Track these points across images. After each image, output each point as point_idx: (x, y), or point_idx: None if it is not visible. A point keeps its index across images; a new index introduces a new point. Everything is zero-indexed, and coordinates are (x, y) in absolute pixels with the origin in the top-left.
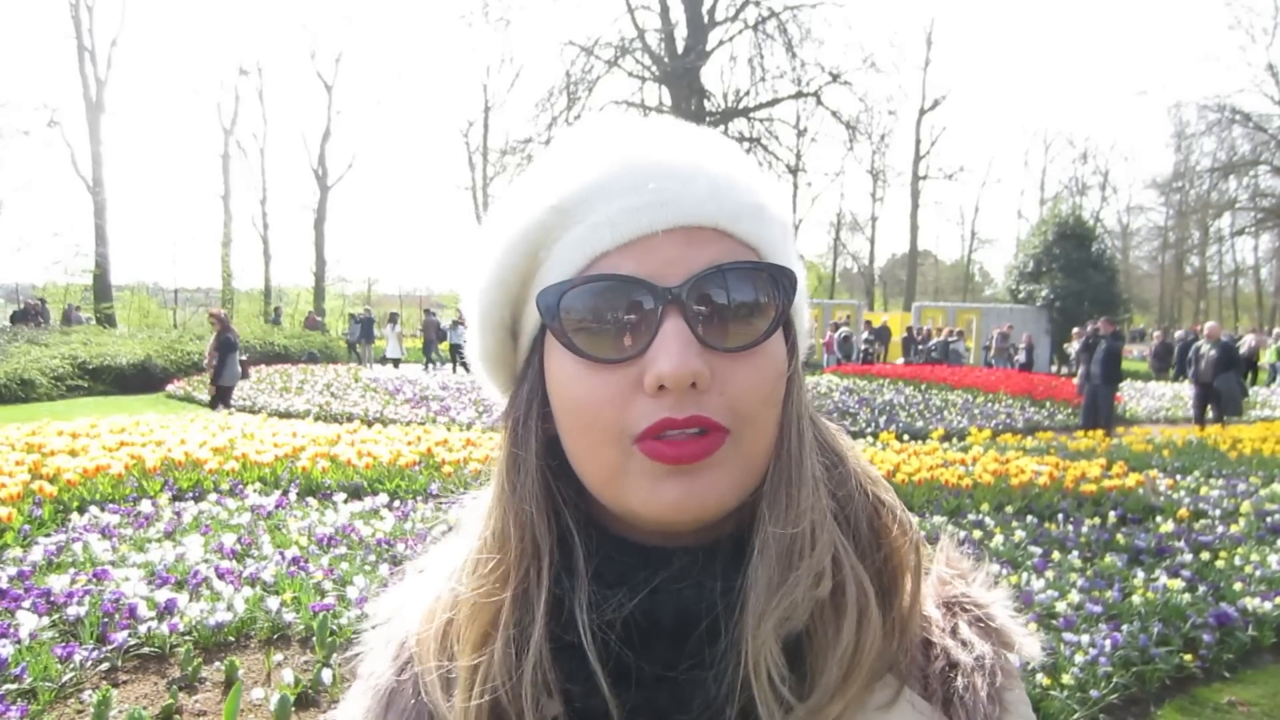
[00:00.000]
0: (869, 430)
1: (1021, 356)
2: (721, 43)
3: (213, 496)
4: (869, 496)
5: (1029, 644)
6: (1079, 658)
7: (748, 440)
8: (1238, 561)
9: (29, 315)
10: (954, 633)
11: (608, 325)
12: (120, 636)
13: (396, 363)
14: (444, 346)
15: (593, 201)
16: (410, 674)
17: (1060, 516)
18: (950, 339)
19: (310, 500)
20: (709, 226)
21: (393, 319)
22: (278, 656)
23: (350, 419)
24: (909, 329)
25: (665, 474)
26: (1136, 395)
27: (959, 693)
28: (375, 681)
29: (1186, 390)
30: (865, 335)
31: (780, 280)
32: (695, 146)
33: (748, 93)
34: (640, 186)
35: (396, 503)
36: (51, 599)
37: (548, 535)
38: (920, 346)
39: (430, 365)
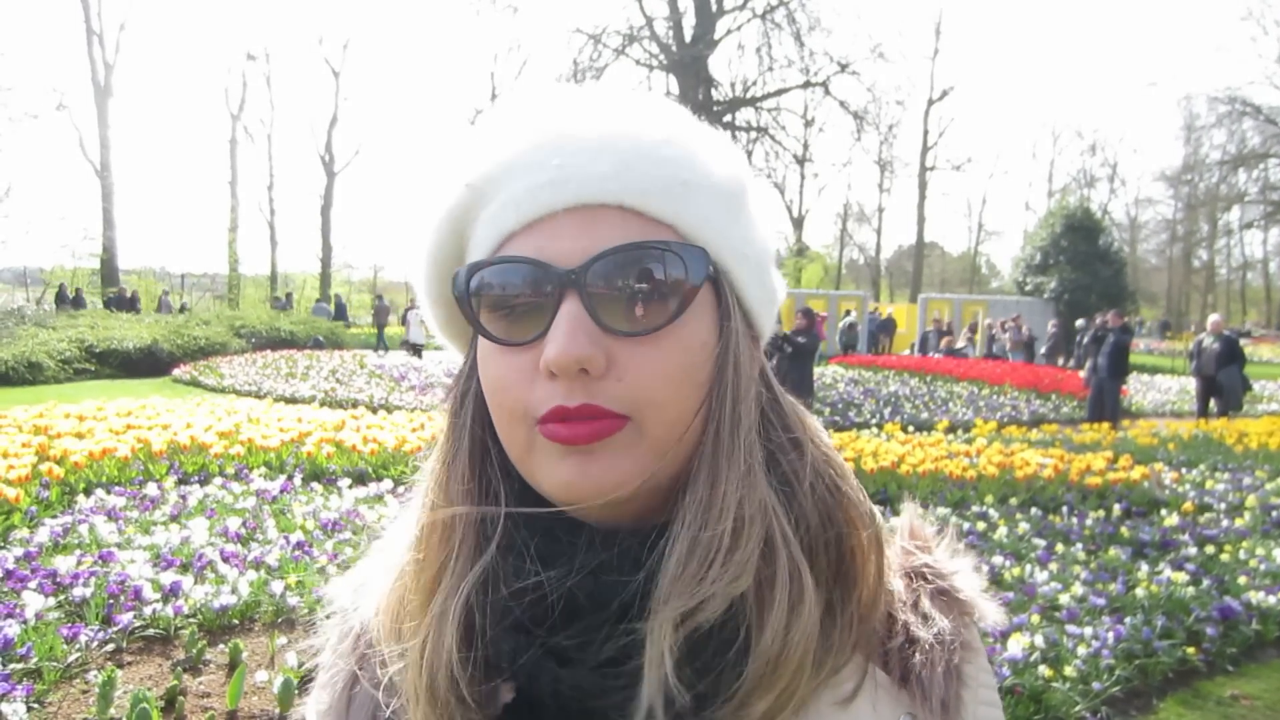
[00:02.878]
0: (874, 421)
1: (1042, 347)
2: (729, 31)
3: (218, 480)
4: (826, 488)
5: (991, 611)
6: (1082, 650)
7: (651, 426)
8: (1242, 555)
9: (121, 302)
10: (915, 606)
11: (511, 306)
12: (125, 618)
13: (419, 349)
14: None
15: (501, 180)
16: (369, 664)
17: (1065, 509)
18: (962, 345)
19: (315, 485)
20: (613, 205)
21: (414, 305)
22: (281, 640)
23: (355, 405)
24: (934, 322)
25: (563, 453)
26: (1142, 388)
27: (916, 670)
28: (333, 675)
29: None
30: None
31: (691, 260)
32: (613, 119)
33: (755, 82)
34: (545, 163)
35: (401, 488)
36: (57, 580)
37: (486, 499)
38: (940, 350)
39: None
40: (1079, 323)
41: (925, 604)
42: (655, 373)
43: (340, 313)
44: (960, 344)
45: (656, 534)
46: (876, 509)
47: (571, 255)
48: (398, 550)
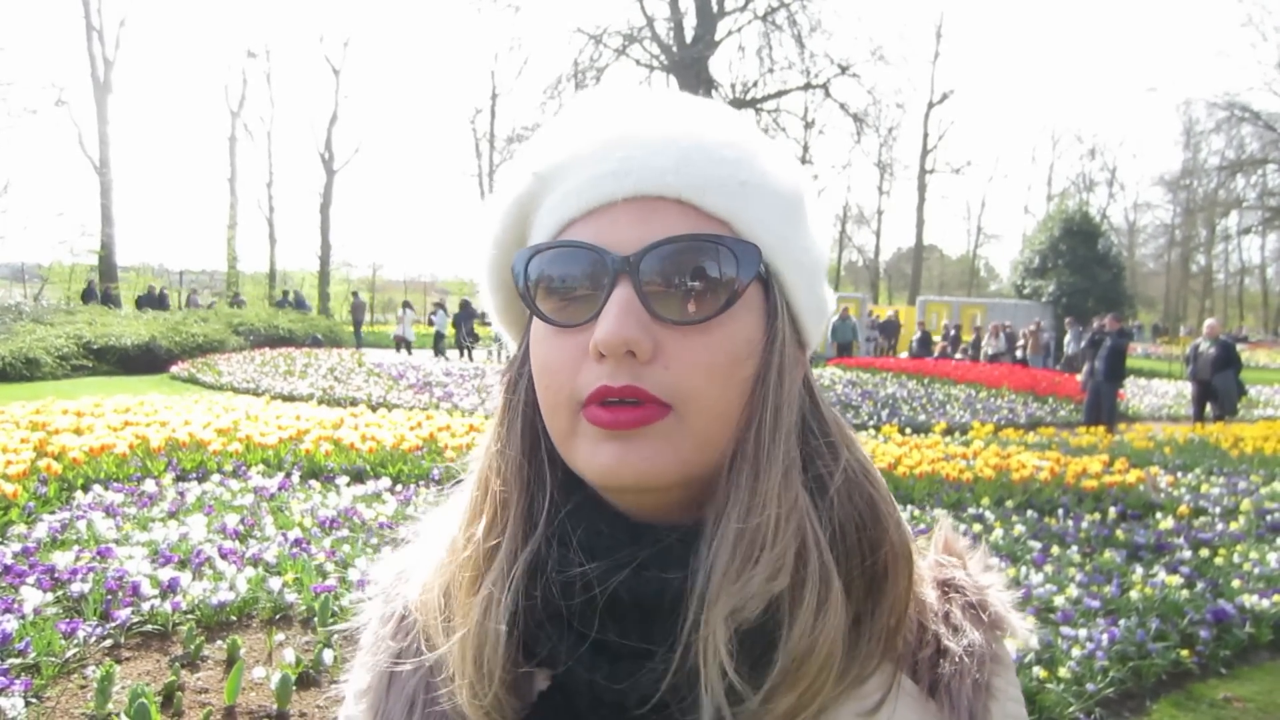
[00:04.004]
0: (871, 423)
1: (1070, 347)
2: (730, 33)
3: (216, 477)
4: (861, 497)
5: (1024, 632)
6: (1076, 651)
7: (693, 417)
8: (1236, 559)
9: (151, 300)
10: (946, 618)
11: (568, 291)
12: (123, 614)
13: (410, 347)
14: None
15: (567, 169)
16: (411, 651)
17: (1060, 511)
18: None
19: (313, 483)
20: (671, 197)
21: (406, 305)
22: (279, 636)
23: (354, 403)
24: (955, 327)
25: (604, 438)
26: (1139, 392)
27: (945, 680)
28: (375, 659)
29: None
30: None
31: (743, 257)
32: (676, 117)
33: (756, 83)
34: (609, 155)
35: (399, 487)
36: (56, 575)
37: (535, 484)
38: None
39: (464, 352)
40: (1066, 320)
41: (957, 616)
42: (700, 363)
43: (300, 305)
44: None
45: (694, 532)
46: (908, 523)
47: (627, 243)
48: (446, 531)
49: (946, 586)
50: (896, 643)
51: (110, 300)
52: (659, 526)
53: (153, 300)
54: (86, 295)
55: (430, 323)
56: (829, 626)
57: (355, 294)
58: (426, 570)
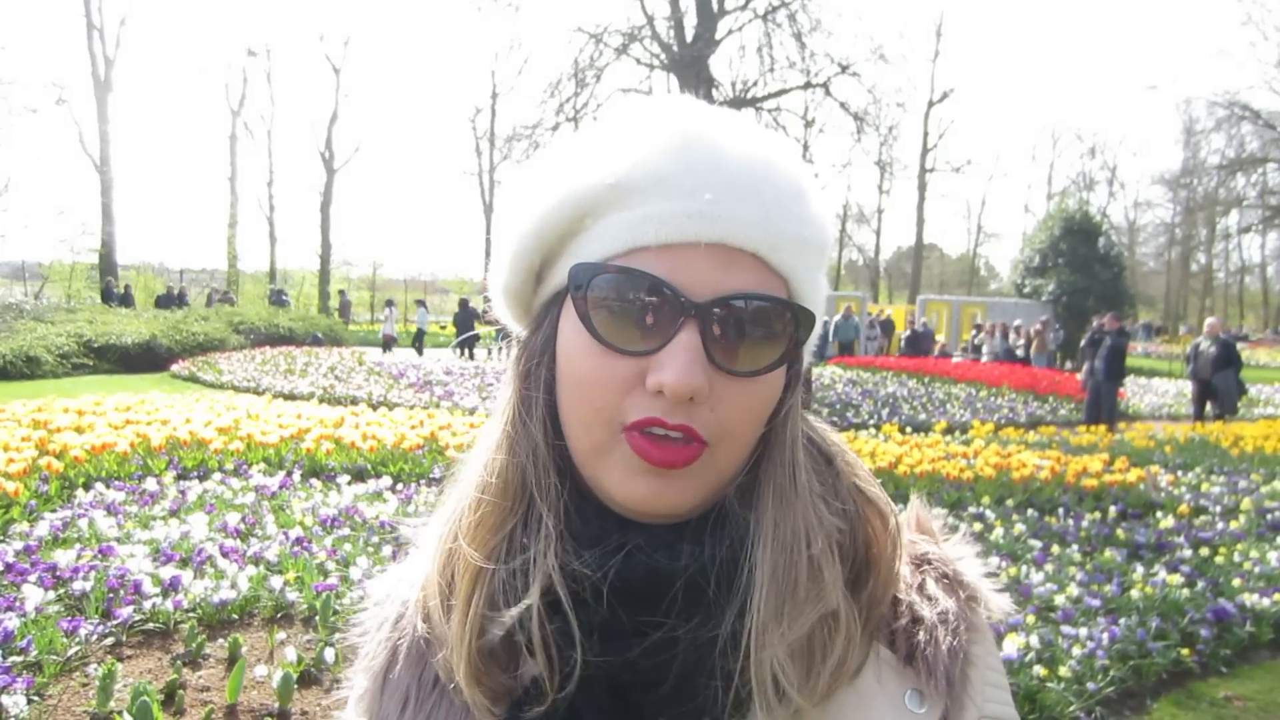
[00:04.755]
0: (871, 422)
1: (1053, 343)
2: (731, 31)
3: (217, 476)
4: (853, 491)
5: (996, 599)
6: (1076, 650)
7: (722, 454)
8: (1237, 558)
9: (169, 299)
10: (920, 589)
11: (628, 316)
12: (125, 612)
13: (390, 345)
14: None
15: (648, 193)
16: (404, 646)
17: (1061, 510)
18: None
19: (314, 481)
20: (749, 251)
21: (390, 304)
22: (280, 635)
23: (354, 402)
24: (977, 326)
25: (644, 470)
26: (1139, 391)
27: (921, 647)
28: (370, 662)
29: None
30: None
31: (801, 320)
32: (759, 161)
33: (756, 82)
34: (697, 193)
35: (400, 485)
36: (57, 574)
37: (547, 477)
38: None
39: (463, 351)
40: (1042, 318)
41: (930, 587)
42: (744, 408)
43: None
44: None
45: (695, 527)
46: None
47: (701, 288)
48: (447, 526)
49: (919, 560)
50: (877, 615)
51: (129, 302)
52: (641, 520)
53: (170, 300)
54: (106, 294)
55: (411, 320)
56: (852, 640)
57: (342, 292)
58: (428, 564)
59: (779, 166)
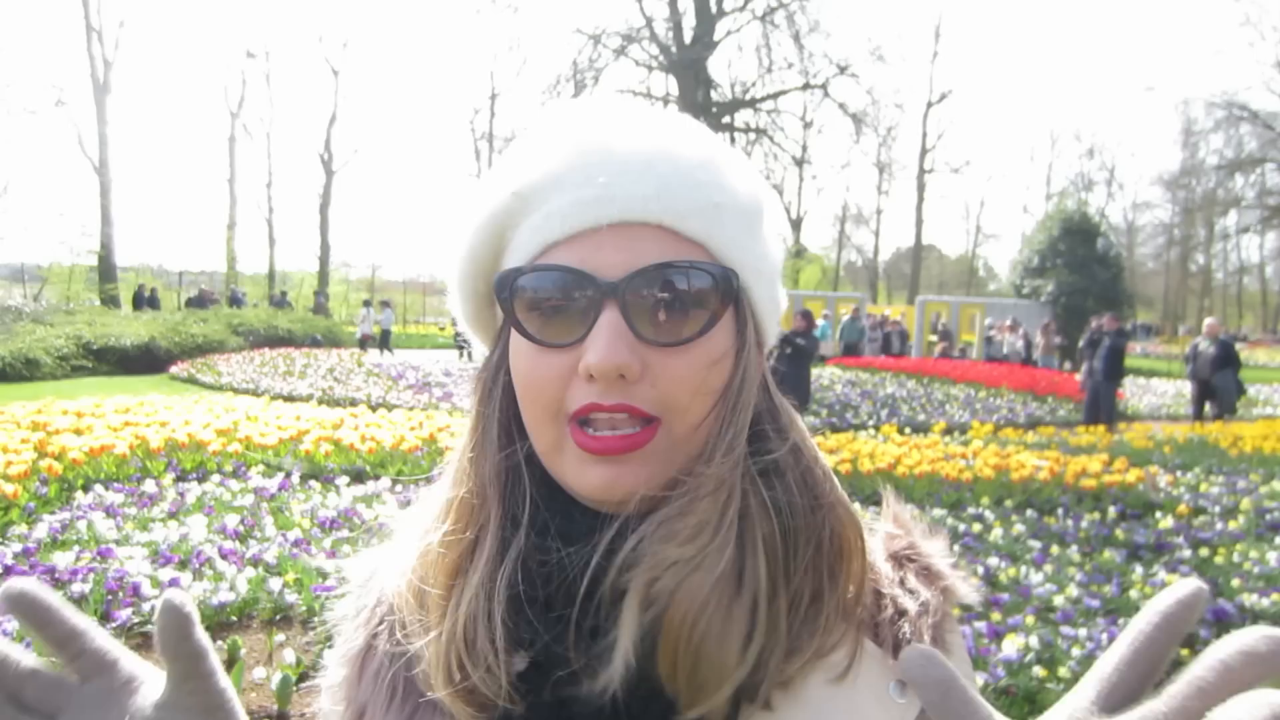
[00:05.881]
0: (871, 423)
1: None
2: (729, 33)
3: (216, 478)
4: (811, 477)
5: (965, 589)
6: (1076, 651)
7: (677, 428)
8: (1236, 558)
9: (201, 301)
10: (902, 583)
11: (553, 312)
12: (124, 614)
13: (366, 344)
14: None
15: (547, 191)
16: (383, 634)
17: (1060, 511)
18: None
19: (313, 483)
20: (653, 223)
21: (367, 304)
22: (279, 637)
23: (353, 404)
24: (990, 328)
25: (592, 461)
26: (1139, 392)
27: (906, 639)
28: (347, 649)
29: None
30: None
31: (721, 280)
32: (654, 140)
33: (754, 83)
34: (591, 180)
35: (399, 487)
36: (56, 576)
37: (514, 482)
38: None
39: (464, 352)
40: (1044, 320)
41: (911, 580)
42: (683, 379)
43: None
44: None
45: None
46: (858, 506)
47: (613, 268)
48: (421, 528)
49: (898, 556)
50: (857, 612)
51: (156, 304)
52: (619, 516)
53: (202, 301)
54: (138, 300)
55: (376, 321)
56: (761, 614)
57: (317, 293)
58: (402, 562)
59: (680, 142)
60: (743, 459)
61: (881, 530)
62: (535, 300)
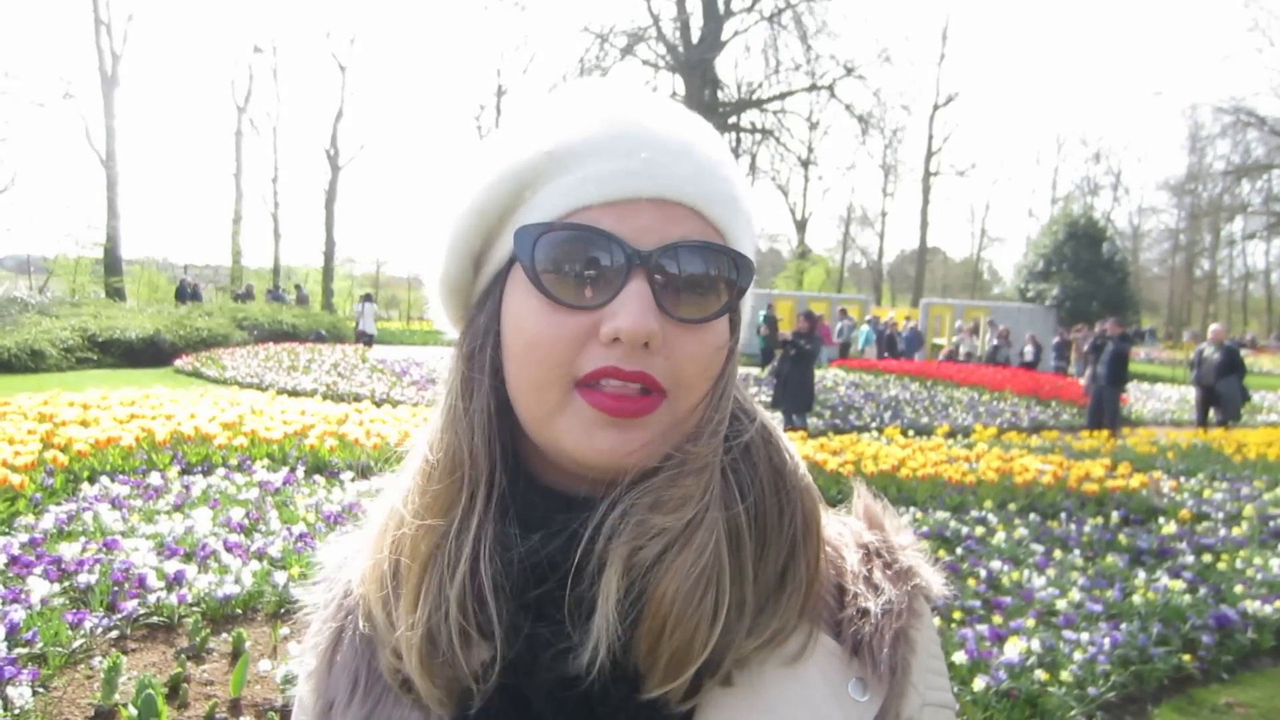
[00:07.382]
0: (874, 425)
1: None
2: (737, 33)
3: (221, 471)
4: (775, 455)
5: (937, 584)
6: (1078, 655)
7: (681, 404)
8: (1239, 564)
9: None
10: (867, 580)
11: (576, 272)
12: (130, 605)
13: (370, 340)
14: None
15: (585, 156)
16: (350, 625)
17: (1063, 515)
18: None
19: (318, 478)
20: (687, 204)
21: (365, 299)
22: (284, 630)
23: (358, 399)
24: (997, 332)
25: (602, 423)
26: (1142, 397)
27: (867, 639)
28: (317, 640)
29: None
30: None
31: (741, 266)
32: (687, 129)
33: (761, 84)
34: (633, 153)
35: None
36: (62, 566)
37: (489, 460)
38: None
39: None
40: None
41: (877, 577)
42: (696, 356)
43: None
44: (962, 353)
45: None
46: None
47: (646, 238)
48: (391, 511)
49: (867, 550)
50: (812, 599)
51: (199, 297)
52: (591, 496)
53: (246, 296)
54: (180, 294)
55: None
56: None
57: (298, 286)
58: (372, 547)
59: (702, 135)
60: (721, 443)
61: (852, 524)
62: (559, 259)
